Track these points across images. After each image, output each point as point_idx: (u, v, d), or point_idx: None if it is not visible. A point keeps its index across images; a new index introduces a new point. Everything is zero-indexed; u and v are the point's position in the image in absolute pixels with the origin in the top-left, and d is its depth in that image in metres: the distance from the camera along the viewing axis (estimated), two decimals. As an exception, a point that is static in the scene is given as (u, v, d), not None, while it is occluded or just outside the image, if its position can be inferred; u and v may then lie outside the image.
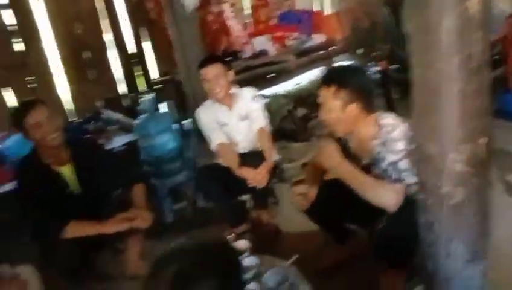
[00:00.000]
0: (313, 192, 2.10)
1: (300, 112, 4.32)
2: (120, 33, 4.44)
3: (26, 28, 3.92)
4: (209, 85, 2.62)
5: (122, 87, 4.63)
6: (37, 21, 3.97)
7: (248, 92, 2.82)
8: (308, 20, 4.79)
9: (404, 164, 1.79)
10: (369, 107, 1.92)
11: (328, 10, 5.59)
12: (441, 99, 1.33)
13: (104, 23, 4.33)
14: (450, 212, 1.47)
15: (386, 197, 1.79)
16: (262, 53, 4.52)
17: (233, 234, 2.50)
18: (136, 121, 3.04)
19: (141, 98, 3.24)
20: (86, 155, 2.25)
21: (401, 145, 1.81)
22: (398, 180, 1.78)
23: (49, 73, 4.10)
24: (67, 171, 2.21)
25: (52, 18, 4.04)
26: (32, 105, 2.05)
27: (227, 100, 2.73)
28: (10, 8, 3.85)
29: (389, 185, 1.80)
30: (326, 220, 2.33)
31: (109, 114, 3.95)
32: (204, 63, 2.63)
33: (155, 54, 4.77)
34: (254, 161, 2.61)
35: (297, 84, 4.89)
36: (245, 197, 2.88)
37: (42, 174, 2.11)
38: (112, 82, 4.51)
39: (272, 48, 4.63)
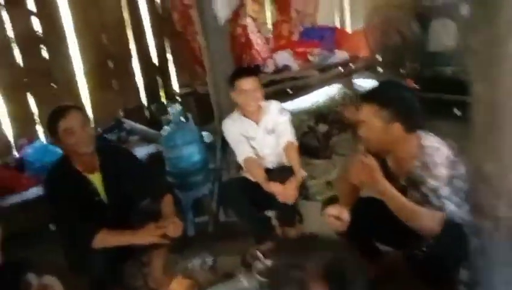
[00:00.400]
0: (347, 213, 2.02)
1: (322, 128, 4.26)
2: (144, 44, 4.44)
3: (52, 35, 3.94)
4: (245, 97, 2.59)
5: (142, 98, 4.62)
6: (63, 29, 3.99)
7: (275, 106, 2.78)
8: (331, 37, 4.76)
9: (445, 191, 1.74)
10: (412, 126, 1.86)
11: (349, 27, 5.59)
12: (504, 116, 1.28)
13: (129, 33, 4.34)
14: (506, 236, 1.40)
15: (426, 223, 1.73)
16: (285, 68, 4.49)
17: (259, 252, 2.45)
18: (162, 132, 3.00)
19: (167, 108, 3.22)
20: (116, 163, 2.21)
21: (443, 171, 1.75)
22: (439, 208, 1.72)
23: (73, 81, 4.10)
24: (96, 179, 2.17)
25: (78, 26, 4.06)
26: (67, 110, 2.02)
27: (255, 114, 2.70)
28: (36, 16, 3.88)
29: (429, 211, 1.74)
30: (357, 238, 2.24)
31: (131, 124, 3.93)
32: (241, 74, 2.61)
33: (175, 66, 4.76)
34: (282, 176, 2.55)
35: (317, 101, 4.86)
36: (270, 213, 2.81)
37: (74, 180, 2.07)
38: (135, 92, 4.50)
39: (293, 63, 4.59)
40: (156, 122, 4.26)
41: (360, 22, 5.57)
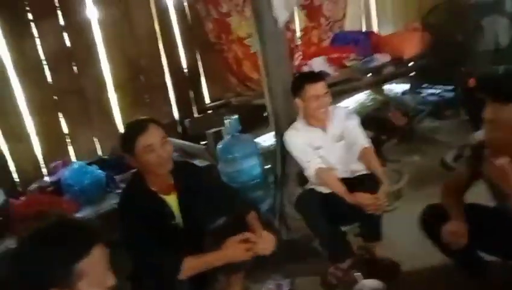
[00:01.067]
0: (464, 225, 1.80)
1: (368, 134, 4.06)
2: (176, 56, 4.25)
3: (82, 51, 3.75)
4: (317, 103, 2.40)
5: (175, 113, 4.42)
6: (94, 43, 3.80)
7: (341, 110, 2.58)
8: (367, 41, 4.59)
9: None
10: None
11: (376, 30, 5.43)
12: None
13: (160, 46, 4.15)
14: None
15: None
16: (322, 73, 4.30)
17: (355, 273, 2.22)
18: (219, 145, 2.78)
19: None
20: (192, 182, 1.97)
21: None
22: None
23: (105, 97, 3.90)
24: (172, 200, 1.92)
25: (109, 41, 3.87)
26: (146, 124, 1.79)
27: (322, 121, 2.49)
28: (66, 31, 3.69)
29: None
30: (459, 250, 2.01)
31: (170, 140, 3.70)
32: (311, 79, 2.44)
33: (206, 78, 4.57)
34: (364, 185, 2.33)
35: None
36: (346, 227, 2.58)
37: (150, 203, 1.83)
38: (167, 107, 4.30)
39: (329, 69, 4.41)
40: (189, 138, 4.07)
41: (387, 26, 5.46)
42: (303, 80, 2.47)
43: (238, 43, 3.97)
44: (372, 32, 4.91)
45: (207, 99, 4.59)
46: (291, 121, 2.63)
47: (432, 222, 2.01)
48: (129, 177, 1.98)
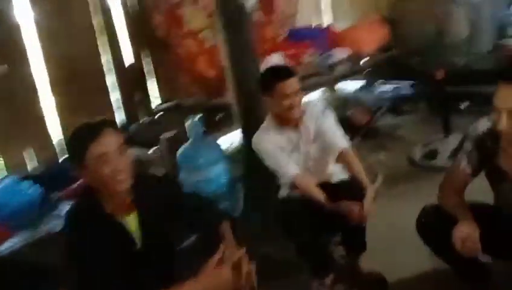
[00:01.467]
0: (476, 228, 1.60)
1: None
2: (120, 54, 3.81)
3: (10, 48, 3.21)
4: (290, 102, 2.11)
5: (121, 115, 3.98)
6: (23, 40, 3.27)
7: (315, 106, 2.31)
8: (324, 36, 4.41)
9: None
10: None
11: (332, 25, 5.27)
12: None
13: (101, 42, 3.69)
14: None
15: None
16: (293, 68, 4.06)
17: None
18: (179, 150, 2.43)
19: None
20: (154, 198, 1.61)
21: None
22: None
23: (36, 101, 3.38)
24: (132, 222, 1.56)
25: (42, 37, 3.36)
26: (99, 129, 1.41)
27: (294, 121, 2.22)
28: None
29: None
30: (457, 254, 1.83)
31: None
32: (282, 75, 2.14)
33: (157, 78, 4.16)
34: (345, 192, 2.09)
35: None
36: (327, 238, 2.33)
37: (106, 231, 1.44)
38: (110, 111, 3.84)
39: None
40: (137, 144, 3.66)
41: (343, 20, 5.32)
42: (272, 76, 2.19)
43: (191, 37, 3.60)
44: (329, 27, 4.74)
45: (156, 101, 4.20)
46: (260, 120, 2.34)
47: (432, 225, 1.81)
48: (77, 197, 1.58)
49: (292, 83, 2.14)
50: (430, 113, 4.41)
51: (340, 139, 2.24)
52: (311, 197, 2.09)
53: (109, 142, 1.41)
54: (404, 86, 4.78)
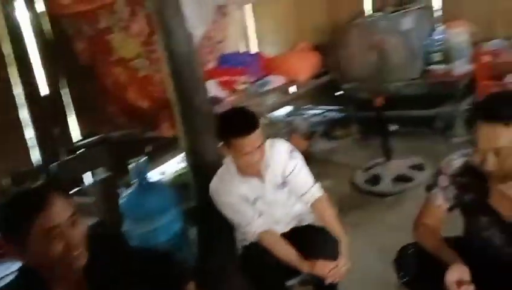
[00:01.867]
0: (467, 269, 1.52)
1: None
2: (34, 84, 3.34)
3: None
4: (249, 158, 1.84)
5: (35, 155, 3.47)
6: None
7: (281, 147, 2.03)
8: (256, 62, 4.31)
9: None
10: None
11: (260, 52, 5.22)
12: None
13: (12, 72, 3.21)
14: None
15: None
16: (215, 100, 3.86)
17: None
18: (123, 198, 2.11)
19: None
20: (111, 269, 1.31)
21: None
22: None
23: None
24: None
25: None
26: (47, 196, 1.10)
27: (256, 171, 1.96)
28: None
29: None
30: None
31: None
32: (241, 132, 1.80)
33: (75, 110, 3.73)
34: (321, 251, 1.91)
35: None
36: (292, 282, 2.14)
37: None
38: (25, 150, 3.33)
39: (222, 94, 4.01)
40: (58, 186, 3.20)
41: (267, 48, 5.29)
42: (227, 131, 1.85)
43: (121, 65, 3.26)
44: (260, 54, 4.66)
45: (78, 136, 3.76)
46: (213, 160, 2.12)
47: (413, 267, 1.71)
48: (12, 281, 1.21)
49: (254, 139, 1.80)
50: (361, 138, 4.51)
51: (311, 186, 2.05)
52: (281, 259, 1.90)
53: (59, 212, 1.11)
54: (332, 111, 4.88)
